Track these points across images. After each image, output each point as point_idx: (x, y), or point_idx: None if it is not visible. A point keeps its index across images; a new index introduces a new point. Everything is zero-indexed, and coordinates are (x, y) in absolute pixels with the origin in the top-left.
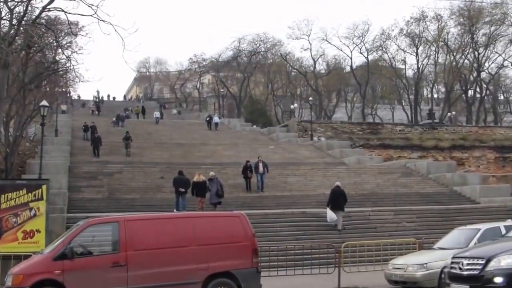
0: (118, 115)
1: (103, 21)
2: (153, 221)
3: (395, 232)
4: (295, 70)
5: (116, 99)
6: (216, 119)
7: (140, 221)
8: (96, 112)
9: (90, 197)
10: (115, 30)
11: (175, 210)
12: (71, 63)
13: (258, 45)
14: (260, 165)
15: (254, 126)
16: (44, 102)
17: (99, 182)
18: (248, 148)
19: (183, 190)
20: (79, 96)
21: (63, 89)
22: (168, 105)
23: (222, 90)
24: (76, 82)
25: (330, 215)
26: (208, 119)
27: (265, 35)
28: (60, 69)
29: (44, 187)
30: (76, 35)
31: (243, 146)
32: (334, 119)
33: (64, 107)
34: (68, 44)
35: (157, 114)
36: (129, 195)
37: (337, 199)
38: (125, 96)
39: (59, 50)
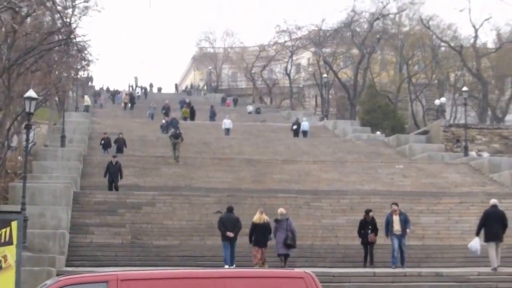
0: (166, 113)
1: None
2: (165, 283)
3: None
4: (444, 44)
5: (162, 91)
6: (305, 125)
7: (144, 281)
8: (129, 105)
9: (103, 242)
10: None
11: (226, 266)
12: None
13: (384, 3)
14: (396, 219)
15: (378, 132)
16: (31, 93)
17: (119, 219)
18: (361, 168)
19: (231, 235)
20: (107, 89)
21: (77, 74)
22: (242, 99)
23: (325, 76)
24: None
25: (474, 244)
26: (295, 127)
27: None
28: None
29: (14, 224)
30: None
31: (354, 165)
32: (507, 123)
33: (87, 100)
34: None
35: (227, 122)
36: (164, 240)
37: (492, 224)
38: (176, 86)
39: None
